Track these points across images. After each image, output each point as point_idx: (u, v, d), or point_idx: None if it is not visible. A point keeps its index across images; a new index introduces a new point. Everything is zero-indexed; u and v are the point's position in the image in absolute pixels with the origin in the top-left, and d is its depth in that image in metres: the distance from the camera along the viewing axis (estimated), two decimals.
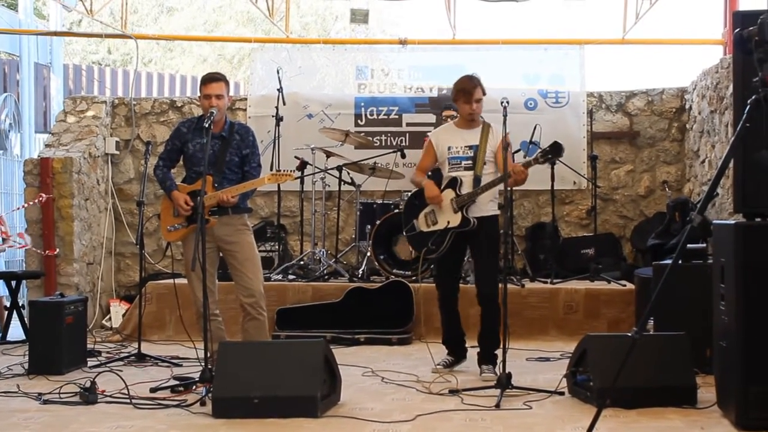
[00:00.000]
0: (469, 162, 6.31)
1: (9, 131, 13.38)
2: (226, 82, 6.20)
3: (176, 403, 5.46)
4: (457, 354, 6.63)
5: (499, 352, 5.93)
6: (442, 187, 6.38)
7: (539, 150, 6.17)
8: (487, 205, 6.33)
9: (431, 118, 10.01)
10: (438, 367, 6.49)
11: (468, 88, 6.31)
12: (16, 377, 6.48)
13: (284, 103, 9.23)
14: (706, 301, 5.31)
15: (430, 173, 6.75)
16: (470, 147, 6.33)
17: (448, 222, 6.31)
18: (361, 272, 8.74)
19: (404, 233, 6.71)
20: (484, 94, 6.40)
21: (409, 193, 8.49)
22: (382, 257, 8.58)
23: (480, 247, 6.34)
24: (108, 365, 6.90)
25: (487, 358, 6.33)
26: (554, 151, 6.06)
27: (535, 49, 10.65)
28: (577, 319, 8.17)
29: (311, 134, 9.64)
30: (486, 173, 6.28)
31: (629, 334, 4.33)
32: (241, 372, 5.20)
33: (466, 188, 6.28)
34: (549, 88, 10.21)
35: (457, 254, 6.51)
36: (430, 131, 9.46)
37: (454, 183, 6.33)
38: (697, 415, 5.09)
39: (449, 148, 6.40)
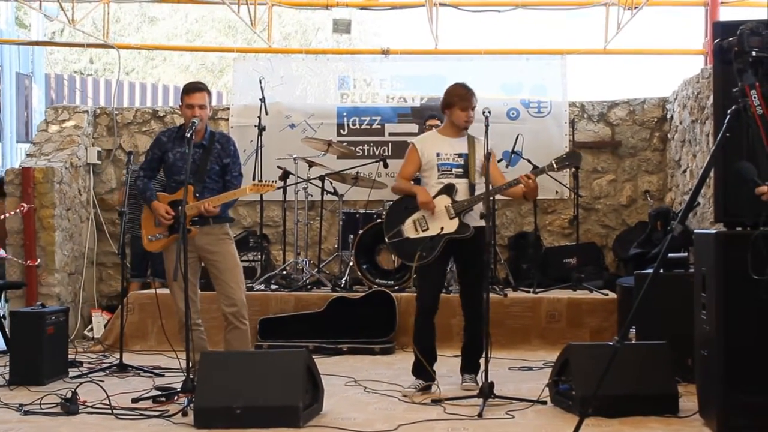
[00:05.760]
0: (461, 170, 6.15)
1: None
2: (209, 92, 6.19)
3: (158, 413, 5.43)
4: (430, 375, 6.13)
5: (481, 361, 5.86)
6: (435, 194, 6.14)
7: (555, 157, 6.09)
8: (478, 215, 6.16)
9: (414, 127, 10.00)
10: (409, 390, 6.09)
11: (466, 96, 6.14)
12: None
13: (267, 113, 9.22)
14: (687, 309, 5.32)
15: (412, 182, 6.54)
16: (460, 155, 6.17)
17: (442, 228, 6.05)
18: (343, 282, 8.73)
19: (387, 239, 6.32)
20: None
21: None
22: (364, 267, 8.58)
23: (473, 260, 6.11)
24: (89, 376, 6.85)
25: (470, 368, 6.30)
26: (572, 159, 6.10)
27: (517, 59, 10.69)
28: (560, 328, 8.18)
29: (294, 144, 9.63)
30: (478, 182, 6.14)
31: (611, 343, 4.36)
32: (223, 382, 5.18)
33: (462, 195, 6.11)
34: (531, 97, 10.25)
35: (443, 264, 6.28)
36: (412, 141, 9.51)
37: (449, 189, 6.11)
38: (678, 423, 5.11)
39: (438, 155, 6.18)
